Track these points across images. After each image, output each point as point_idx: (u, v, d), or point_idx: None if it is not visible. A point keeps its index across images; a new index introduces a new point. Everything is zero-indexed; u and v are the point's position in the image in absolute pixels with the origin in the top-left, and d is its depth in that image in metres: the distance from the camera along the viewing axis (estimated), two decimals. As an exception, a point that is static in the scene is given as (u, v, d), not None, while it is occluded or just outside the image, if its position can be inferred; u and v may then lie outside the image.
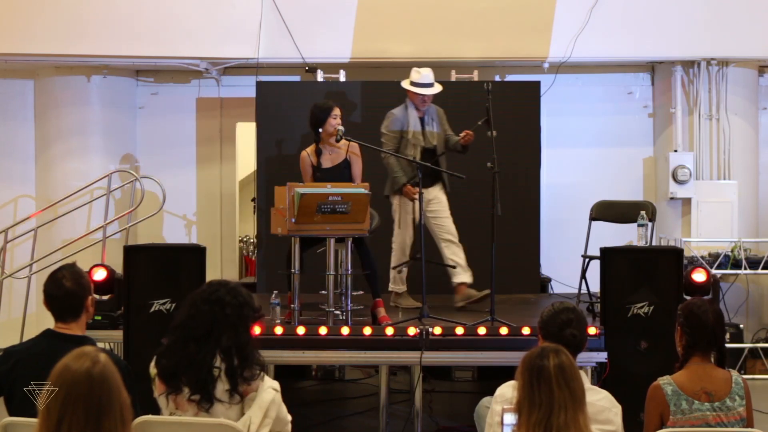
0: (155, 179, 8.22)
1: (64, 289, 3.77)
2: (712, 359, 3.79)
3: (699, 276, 6.03)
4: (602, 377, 5.47)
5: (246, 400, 3.56)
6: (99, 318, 6.09)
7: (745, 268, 7.90)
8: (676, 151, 8.51)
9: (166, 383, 3.51)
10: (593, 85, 8.91)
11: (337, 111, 6.15)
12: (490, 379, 7.28)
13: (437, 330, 5.58)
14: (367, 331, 5.63)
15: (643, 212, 6.49)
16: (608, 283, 5.70)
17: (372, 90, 8.18)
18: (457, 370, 7.82)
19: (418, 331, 5.56)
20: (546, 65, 8.39)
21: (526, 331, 5.56)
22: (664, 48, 8.38)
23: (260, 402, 3.57)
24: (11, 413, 3.61)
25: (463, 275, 6.58)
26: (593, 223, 7.24)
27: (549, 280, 8.10)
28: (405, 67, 8.43)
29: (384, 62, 8.47)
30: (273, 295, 5.87)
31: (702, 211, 8.42)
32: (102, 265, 6.43)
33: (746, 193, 8.56)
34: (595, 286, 6.24)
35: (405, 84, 6.64)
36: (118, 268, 6.17)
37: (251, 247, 9.42)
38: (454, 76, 8.12)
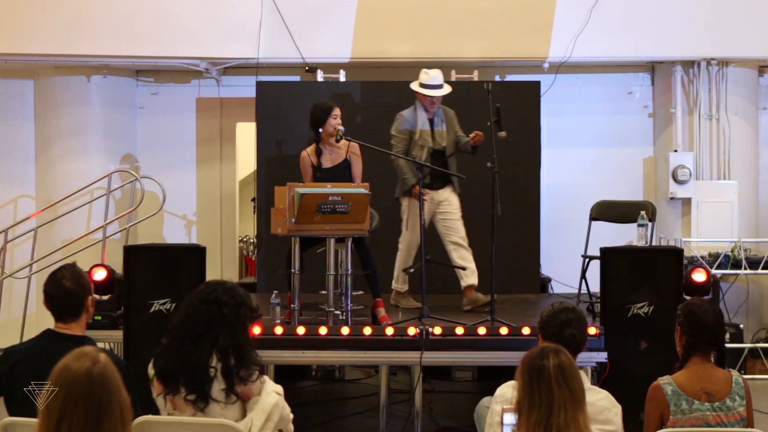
0: (155, 179, 8.22)
1: (64, 289, 3.77)
2: (712, 359, 3.79)
3: (699, 276, 6.03)
4: (602, 377, 5.47)
5: (249, 404, 3.57)
6: (99, 318, 6.09)
7: (745, 268, 7.90)
8: (676, 151, 8.51)
9: (163, 383, 3.51)
10: (593, 85, 8.91)
11: (337, 111, 6.15)
12: (490, 379, 7.28)
13: (437, 330, 5.58)
14: (367, 331, 5.63)
15: (643, 212, 6.49)
16: (608, 283, 5.70)
17: (372, 90, 8.18)
18: (457, 370, 7.82)
19: (418, 331, 5.56)
20: (546, 65, 8.39)
21: (526, 331, 5.56)
22: (664, 48, 8.38)
23: (263, 405, 3.57)
24: (11, 413, 3.61)
25: (471, 278, 6.57)
26: (593, 223, 7.24)
27: (549, 280, 8.10)
28: (405, 67, 8.48)
29: (384, 62, 8.48)
30: (273, 295, 5.87)
31: (702, 211, 8.42)
32: (102, 265, 6.43)
33: (746, 193, 8.56)
34: (595, 286, 6.24)
35: (414, 86, 6.61)
36: (118, 268, 6.17)
37: (251, 247, 9.43)
38: (454, 76, 8.12)
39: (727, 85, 8.58)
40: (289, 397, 3.71)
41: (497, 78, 8.84)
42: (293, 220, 5.58)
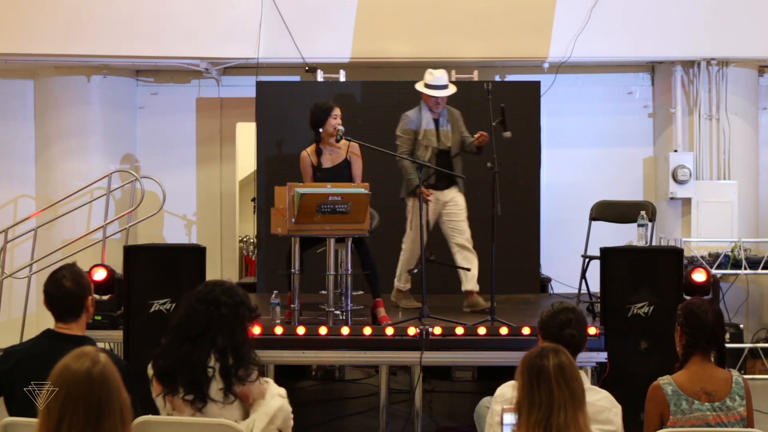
0: (155, 179, 8.22)
1: (64, 289, 3.78)
2: (712, 359, 3.79)
3: (699, 276, 6.03)
4: (602, 377, 5.47)
5: (254, 406, 3.58)
6: (99, 318, 6.09)
7: (745, 268, 7.90)
8: (676, 151, 8.51)
9: (162, 384, 3.52)
10: (593, 85, 8.91)
11: (337, 111, 6.15)
12: (490, 379, 7.28)
13: (437, 330, 5.58)
14: (367, 331, 5.63)
15: (643, 212, 6.49)
16: (608, 283, 5.70)
17: (372, 90, 8.18)
18: (457, 370, 7.82)
19: (418, 331, 5.56)
20: (546, 65, 8.39)
21: (526, 331, 5.56)
22: (664, 48, 8.38)
23: (267, 409, 3.58)
24: (11, 413, 3.61)
25: (470, 283, 6.57)
26: (593, 223, 7.24)
27: (549, 280, 8.10)
28: (405, 67, 8.48)
29: (384, 62, 8.48)
30: (273, 295, 5.87)
31: (702, 211, 8.42)
32: (102, 265, 6.43)
33: (746, 193, 8.56)
34: (595, 286, 6.24)
35: (419, 86, 6.59)
36: (118, 268, 6.17)
37: (251, 247, 9.43)
38: (454, 76, 8.10)
39: (727, 85, 8.58)
40: (289, 397, 3.71)
41: (497, 78, 8.84)
42: (293, 220, 5.58)
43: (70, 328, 3.80)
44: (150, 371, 3.55)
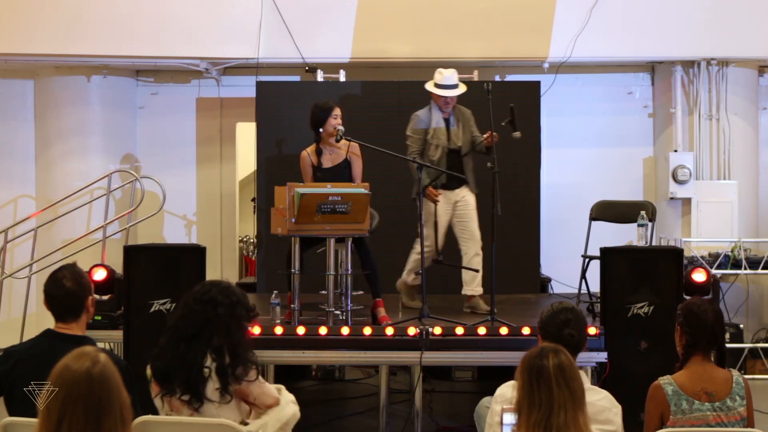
0: (155, 179, 8.22)
1: (65, 289, 3.78)
2: (712, 359, 3.79)
3: (699, 276, 6.03)
4: (602, 377, 5.47)
5: (270, 411, 3.60)
6: (99, 318, 6.09)
7: (745, 268, 7.90)
8: (676, 151, 8.51)
9: (159, 384, 3.52)
10: (593, 85, 8.91)
11: (337, 111, 6.15)
12: (490, 379, 7.28)
13: (437, 330, 5.58)
14: (367, 331, 5.63)
15: (643, 212, 6.49)
16: (608, 283, 5.70)
17: (372, 90, 8.18)
18: (457, 370, 7.82)
19: (418, 331, 5.56)
20: (546, 65, 8.39)
21: (526, 331, 5.56)
22: (664, 48, 8.38)
23: (281, 415, 3.61)
24: (11, 413, 3.61)
25: (471, 288, 6.56)
26: (593, 223, 7.24)
27: (549, 280, 8.10)
28: (405, 67, 8.49)
29: (384, 62, 8.48)
30: (273, 295, 5.87)
31: (702, 211, 8.42)
32: (102, 265, 6.43)
33: (746, 193, 8.56)
34: (595, 286, 6.24)
35: (428, 86, 6.55)
36: (118, 268, 6.17)
37: (251, 247, 9.43)
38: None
39: (727, 85, 8.58)
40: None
41: (497, 78, 8.84)
42: (293, 220, 5.58)
43: (71, 328, 3.80)
44: (148, 372, 3.55)
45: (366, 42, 8.27)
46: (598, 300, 5.89)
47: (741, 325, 8.03)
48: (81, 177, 8.36)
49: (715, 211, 8.39)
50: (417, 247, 6.58)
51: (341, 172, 6.14)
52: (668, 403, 3.65)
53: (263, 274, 7.94)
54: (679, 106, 8.57)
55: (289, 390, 3.88)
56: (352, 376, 8.11)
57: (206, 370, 3.50)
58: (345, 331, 5.62)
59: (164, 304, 5.65)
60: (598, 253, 5.84)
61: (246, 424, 3.61)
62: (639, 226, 6.44)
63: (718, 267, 7.87)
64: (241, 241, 9.39)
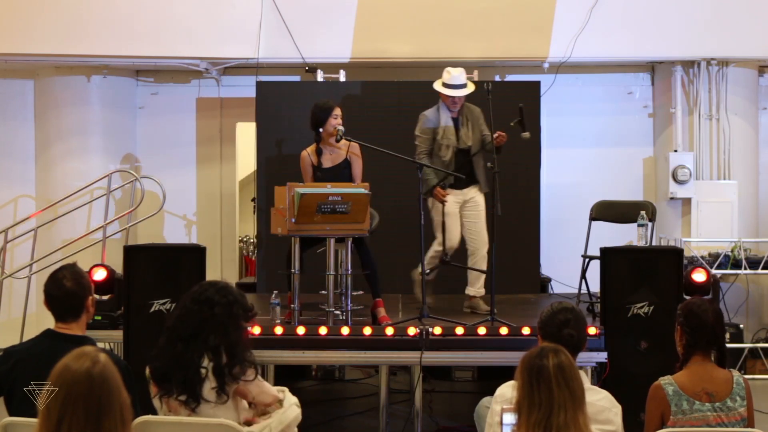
0: (155, 179, 8.22)
1: (65, 289, 3.78)
2: (713, 359, 3.79)
3: (699, 276, 6.02)
4: (602, 377, 5.47)
5: (274, 414, 3.61)
6: (99, 318, 6.09)
7: (745, 268, 7.90)
8: (676, 151, 8.51)
9: (157, 385, 3.53)
10: (593, 85, 8.91)
11: (338, 111, 6.15)
12: (490, 379, 7.28)
13: (437, 330, 5.58)
14: (367, 331, 5.63)
15: (643, 212, 6.49)
16: (608, 283, 5.70)
17: (372, 90, 8.18)
18: (457, 370, 7.82)
19: (418, 331, 5.56)
20: (546, 65, 8.39)
21: (526, 331, 5.56)
22: (664, 48, 8.38)
23: (284, 417, 3.62)
24: (11, 413, 3.61)
25: (474, 289, 6.55)
26: (593, 223, 7.24)
27: (549, 280, 8.09)
28: (405, 67, 8.49)
29: (384, 62, 8.48)
30: (273, 295, 5.87)
31: (702, 211, 8.42)
32: (102, 265, 6.43)
33: (746, 193, 8.56)
34: (595, 286, 6.23)
35: (436, 85, 6.51)
36: (118, 268, 6.17)
37: (251, 247, 9.43)
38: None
39: (727, 85, 8.58)
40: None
41: (497, 78, 8.84)
42: (293, 220, 5.58)
43: (71, 328, 3.80)
44: (147, 372, 3.56)
45: (366, 42, 8.27)
46: (598, 300, 5.89)
47: (741, 325, 8.03)
48: (81, 177, 8.36)
49: (715, 211, 8.39)
50: (435, 244, 6.55)
51: (341, 172, 6.15)
52: (669, 404, 3.65)
53: (263, 274, 7.94)
54: (679, 106, 8.57)
55: (290, 390, 3.89)
56: (352, 376, 8.11)
57: (203, 371, 3.51)
58: (345, 331, 5.62)
59: (164, 304, 5.65)
60: (598, 253, 5.83)
61: (249, 424, 3.62)
62: (639, 226, 6.44)
63: (718, 267, 7.87)
64: (241, 241, 9.39)
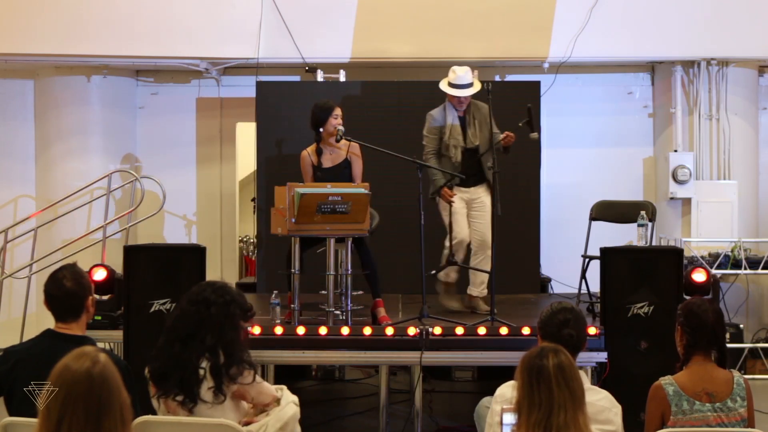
0: (155, 179, 8.22)
1: (65, 289, 3.78)
2: (713, 359, 3.79)
3: (699, 276, 6.02)
4: (602, 377, 5.47)
5: (271, 412, 3.61)
6: (99, 318, 6.09)
7: (745, 268, 7.90)
8: (676, 151, 8.51)
9: (156, 385, 3.53)
10: (593, 85, 8.91)
11: (338, 111, 6.15)
12: (490, 379, 7.28)
13: (437, 330, 5.58)
14: (367, 331, 5.63)
15: (643, 212, 6.48)
16: (608, 283, 5.70)
17: (372, 90, 8.18)
18: (457, 370, 7.82)
19: (418, 331, 5.56)
20: (546, 65, 8.39)
21: (526, 331, 5.56)
22: (664, 48, 8.38)
23: (281, 415, 3.62)
24: (11, 413, 3.61)
25: (476, 290, 6.54)
26: (593, 223, 7.23)
27: (549, 280, 8.09)
28: (405, 67, 8.49)
29: (384, 62, 8.48)
30: (273, 295, 5.87)
31: (702, 211, 8.42)
32: (102, 265, 6.43)
33: (746, 193, 8.56)
34: (595, 286, 6.23)
35: (442, 85, 6.47)
36: (118, 268, 6.17)
37: (251, 247, 9.43)
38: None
39: (727, 85, 8.58)
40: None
41: (497, 78, 8.84)
42: (293, 220, 5.58)
43: (71, 328, 3.80)
44: (147, 373, 3.56)
45: (366, 42, 8.27)
46: (598, 300, 5.89)
47: (741, 325, 8.03)
48: (81, 177, 8.36)
49: (715, 211, 8.38)
50: (446, 241, 6.53)
51: (341, 172, 6.14)
52: (669, 404, 3.65)
53: (263, 274, 7.94)
54: (679, 106, 8.57)
55: (290, 390, 3.89)
56: (352, 376, 8.11)
57: (201, 371, 3.51)
58: (345, 331, 5.62)
59: (164, 304, 5.65)
60: (598, 253, 5.83)
61: (247, 424, 3.62)
62: (639, 226, 6.44)
63: (718, 267, 7.86)
64: (241, 241, 9.39)
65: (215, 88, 8.97)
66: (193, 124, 9.01)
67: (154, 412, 3.56)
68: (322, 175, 6.10)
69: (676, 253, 5.80)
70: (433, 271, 6.30)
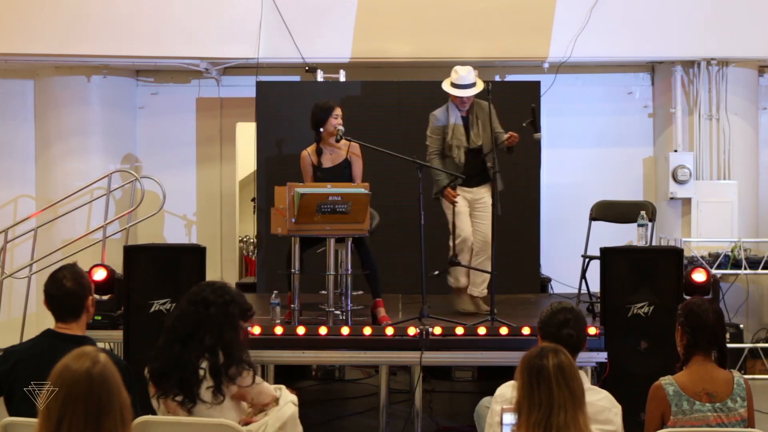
0: (155, 179, 8.22)
1: (65, 289, 3.78)
2: (713, 359, 3.79)
3: (699, 276, 6.02)
4: (602, 377, 5.47)
5: (270, 411, 3.61)
6: (99, 318, 6.09)
7: (745, 268, 7.90)
8: (676, 151, 8.51)
9: (155, 385, 3.53)
10: (593, 85, 8.91)
11: (338, 111, 6.15)
12: (490, 379, 7.28)
13: (437, 330, 5.58)
14: (367, 331, 5.63)
15: (643, 212, 6.48)
16: (608, 283, 5.70)
17: (372, 90, 8.18)
18: (457, 370, 7.82)
19: (418, 331, 5.56)
20: (546, 65, 8.39)
21: (526, 331, 5.55)
22: (664, 48, 8.38)
23: (280, 415, 3.63)
24: (11, 413, 3.61)
25: (477, 290, 6.54)
26: (593, 223, 7.23)
27: (549, 280, 8.09)
28: (405, 67, 8.49)
29: (384, 62, 8.48)
30: (273, 295, 5.87)
31: (702, 211, 8.42)
32: (102, 265, 6.43)
33: (746, 193, 8.56)
34: (595, 286, 6.23)
35: (445, 85, 6.44)
36: (118, 268, 6.17)
37: (251, 247, 9.43)
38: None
39: (727, 85, 8.58)
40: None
41: (497, 78, 8.84)
42: (293, 220, 5.58)
43: (71, 328, 3.80)
44: (147, 373, 3.56)
45: (366, 42, 8.27)
46: (598, 300, 5.89)
47: (741, 325, 8.03)
48: (81, 177, 8.36)
49: (715, 211, 8.39)
50: (450, 244, 6.51)
51: (341, 172, 6.14)
52: (669, 404, 3.65)
53: (263, 274, 7.94)
54: (679, 106, 8.57)
55: (289, 390, 3.90)
56: (352, 376, 8.11)
57: (201, 371, 3.51)
58: (345, 331, 5.62)
59: (164, 304, 5.65)
60: (598, 253, 5.83)
61: (246, 424, 3.62)
62: (639, 226, 6.44)
63: (718, 267, 7.87)
64: (241, 241, 9.39)
65: (215, 88, 8.97)
66: (193, 124, 9.02)
67: (154, 412, 3.56)
68: (322, 175, 6.10)
69: (676, 253, 5.80)
70: (437, 272, 6.29)
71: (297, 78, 8.66)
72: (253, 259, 9.13)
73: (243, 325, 3.71)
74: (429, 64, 8.29)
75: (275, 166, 7.98)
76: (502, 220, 6.05)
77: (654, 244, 7.11)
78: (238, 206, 9.19)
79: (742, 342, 7.92)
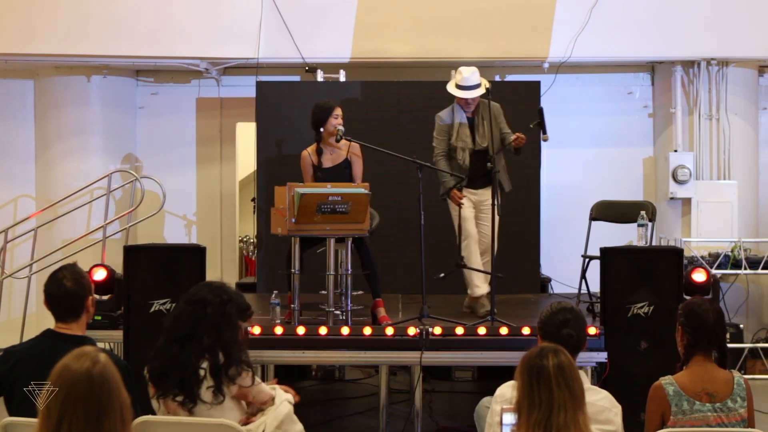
0: (155, 179, 8.22)
1: (65, 289, 3.78)
2: (713, 359, 3.79)
3: (699, 276, 6.03)
4: (602, 377, 5.47)
5: (267, 411, 3.61)
6: (99, 318, 6.09)
7: (745, 268, 7.90)
8: (676, 151, 8.51)
9: (155, 386, 3.53)
10: (593, 85, 8.91)
11: (338, 111, 6.15)
12: (490, 379, 7.28)
13: (437, 330, 5.58)
14: (367, 331, 5.63)
15: (643, 212, 6.48)
16: (608, 283, 5.70)
17: (372, 90, 8.18)
18: (457, 370, 7.82)
19: (418, 331, 5.56)
20: (546, 65, 8.39)
21: (526, 331, 5.56)
22: (664, 48, 8.38)
23: (277, 414, 3.63)
24: (11, 413, 3.61)
25: (479, 291, 6.54)
26: (593, 223, 7.23)
27: (549, 280, 8.09)
28: (405, 67, 8.49)
29: (384, 62, 8.47)
30: (273, 295, 5.87)
31: (702, 211, 8.42)
32: (102, 265, 6.43)
33: (746, 193, 8.56)
34: (595, 286, 6.23)
35: (449, 87, 6.44)
36: (118, 268, 6.17)
37: (251, 247, 9.43)
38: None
39: (727, 85, 8.58)
40: (289, 398, 3.73)
41: (497, 78, 8.84)
42: (293, 220, 5.58)
43: (71, 328, 3.80)
44: (146, 373, 3.56)
45: (366, 42, 8.27)
46: (598, 300, 5.89)
47: (741, 325, 8.03)
48: (81, 177, 8.36)
49: (715, 211, 8.39)
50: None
51: (341, 172, 6.14)
52: (669, 404, 3.65)
53: (263, 274, 7.94)
54: (679, 106, 8.57)
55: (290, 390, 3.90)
56: (352, 376, 8.11)
57: (201, 371, 3.51)
58: (345, 331, 5.62)
59: (164, 304, 5.65)
60: (598, 253, 5.83)
61: (245, 423, 3.62)
62: (639, 226, 6.44)
63: (718, 267, 7.87)
64: (241, 241, 9.39)
65: (215, 88, 8.97)
66: (193, 124, 9.02)
67: (154, 412, 3.56)
68: (322, 175, 6.10)
69: (676, 253, 5.80)
70: (442, 275, 6.27)
71: (297, 78, 8.66)
72: (253, 259, 9.13)
73: (242, 325, 3.71)
74: (429, 64, 8.29)
75: (275, 166, 7.98)
76: (502, 220, 6.04)
77: (654, 244, 7.11)
78: (238, 206, 9.19)
79: (742, 342, 7.92)
